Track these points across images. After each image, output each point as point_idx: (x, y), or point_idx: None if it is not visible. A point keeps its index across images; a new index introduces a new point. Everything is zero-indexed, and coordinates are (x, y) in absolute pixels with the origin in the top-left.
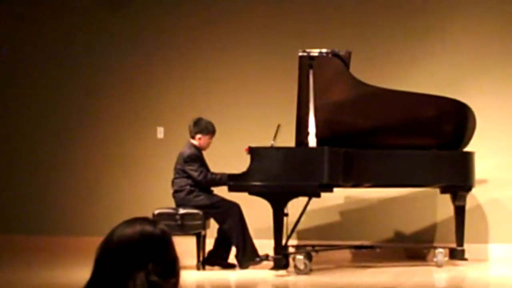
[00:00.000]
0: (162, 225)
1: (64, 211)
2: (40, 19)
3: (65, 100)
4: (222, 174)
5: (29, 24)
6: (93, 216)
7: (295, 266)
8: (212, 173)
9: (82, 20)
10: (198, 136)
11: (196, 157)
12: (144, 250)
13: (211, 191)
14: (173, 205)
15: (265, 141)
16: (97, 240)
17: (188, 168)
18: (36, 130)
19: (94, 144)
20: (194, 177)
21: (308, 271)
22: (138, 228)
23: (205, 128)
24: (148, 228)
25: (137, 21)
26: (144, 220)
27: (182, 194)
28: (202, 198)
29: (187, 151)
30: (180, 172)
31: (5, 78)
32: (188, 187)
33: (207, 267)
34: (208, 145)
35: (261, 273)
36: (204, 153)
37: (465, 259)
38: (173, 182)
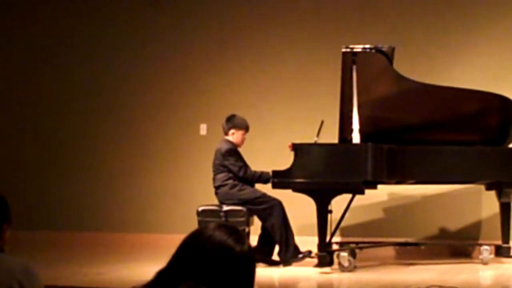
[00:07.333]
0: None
1: (108, 208)
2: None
3: (109, 98)
4: (263, 172)
5: (57, 23)
6: (137, 213)
7: (339, 263)
8: (253, 170)
9: (126, 18)
10: (232, 131)
11: (234, 152)
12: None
13: (254, 185)
14: (215, 202)
15: (309, 138)
16: (145, 237)
17: (227, 162)
18: (74, 128)
19: (137, 141)
20: (235, 172)
21: (352, 268)
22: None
23: (238, 123)
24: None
25: (180, 21)
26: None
27: (225, 189)
28: (246, 192)
29: (224, 146)
30: (220, 167)
31: (25, 76)
32: (230, 181)
33: None
34: (242, 141)
35: (305, 270)
36: (247, 150)
37: (511, 257)
38: (214, 179)
